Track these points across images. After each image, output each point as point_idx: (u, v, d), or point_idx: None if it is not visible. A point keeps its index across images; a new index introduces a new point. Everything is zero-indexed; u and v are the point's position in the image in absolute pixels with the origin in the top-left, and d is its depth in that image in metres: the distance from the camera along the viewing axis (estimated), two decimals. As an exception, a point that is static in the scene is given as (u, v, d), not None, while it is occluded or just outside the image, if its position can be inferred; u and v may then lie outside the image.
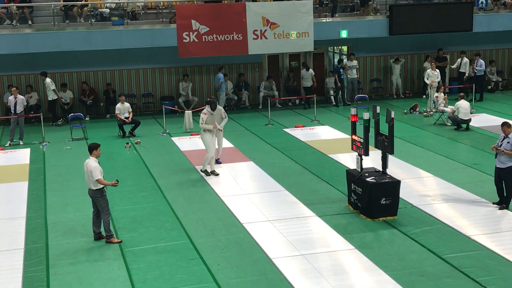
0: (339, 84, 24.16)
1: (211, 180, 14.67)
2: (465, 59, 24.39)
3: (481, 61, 23.97)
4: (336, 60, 25.78)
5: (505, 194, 12.21)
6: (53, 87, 20.90)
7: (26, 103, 20.00)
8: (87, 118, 22.29)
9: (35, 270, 10.12)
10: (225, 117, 15.31)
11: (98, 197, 10.96)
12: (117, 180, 11.11)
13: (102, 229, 11.19)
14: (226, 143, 18.50)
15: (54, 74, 22.89)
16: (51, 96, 21.03)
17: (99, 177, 10.82)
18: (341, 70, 24.12)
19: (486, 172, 14.57)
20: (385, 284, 9.24)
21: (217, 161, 15.76)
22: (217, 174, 14.75)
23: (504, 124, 12.20)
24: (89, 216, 12.17)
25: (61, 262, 10.40)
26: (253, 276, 9.65)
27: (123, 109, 19.56)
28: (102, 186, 10.93)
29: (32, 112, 21.30)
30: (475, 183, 13.87)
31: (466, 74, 24.12)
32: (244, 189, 13.93)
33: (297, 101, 24.63)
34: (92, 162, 10.90)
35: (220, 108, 15.13)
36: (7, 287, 9.51)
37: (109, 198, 11.31)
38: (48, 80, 20.94)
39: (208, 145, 14.86)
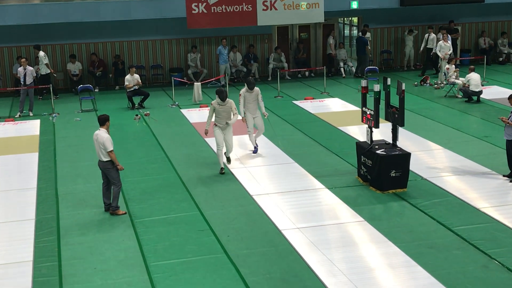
0: (369, 55, 23.99)
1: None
2: (432, 35, 23.60)
3: (450, 37, 23.13)
4: (351, 31, 25.55)
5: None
6: (46, 61, 20.72)
7: (35, 74, 20.00)
8: (96, 90, 22.29)
9: (46, 240, 10.22)
10: (235, 113, 13.39)
11: (109, 168, 10.98)
12: (123, 167, 11.22)
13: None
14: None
15: (63, 45, 22.86)
16: (44, 70, 20.88)
17: (111, 148, 10.83)
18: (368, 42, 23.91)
19: (497, 144, 14.50)
20: (394, 256, 9.27)
21: (255, 149, 14.37)
22: (223, 173, 13.06)
23: (511, 97, 12.10)
24: (100, 187, 12.24)
25: (72, 232, 10.49)
26: (263, 247, 9.71)
27: (132, 80, 19.53)
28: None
29: (41, 84, 21.28)
30: (486, 156, 13.82)
31: (433, 51, 23.58)
32: (254, 161, 13.94)
33: (307, 73, 24.52)
34: (103, 133, 10.91)
35: (257, 89, 14.02)
36: (19, 256, 9.62)
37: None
38: (41, 53, 20.78)
39: (216, 139, 13.23)
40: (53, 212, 11.41)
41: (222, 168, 13.12)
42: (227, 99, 12.98)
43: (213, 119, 13.28)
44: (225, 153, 13.39)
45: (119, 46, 23.41)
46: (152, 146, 15.52)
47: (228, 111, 12.98)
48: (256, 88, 14.04)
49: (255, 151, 14.29)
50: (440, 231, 10.15)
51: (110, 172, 10.99)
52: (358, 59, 24.33)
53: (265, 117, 14.32)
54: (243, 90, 13.98)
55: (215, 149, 14.91)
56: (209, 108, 13.32)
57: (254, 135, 14.28)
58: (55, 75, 21.78)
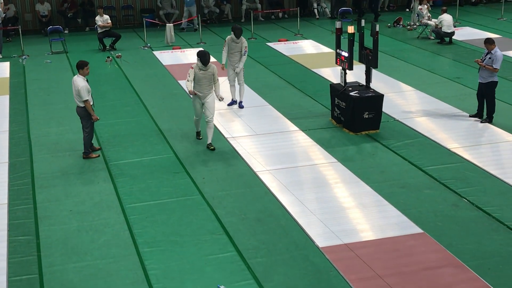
0: None
1: (194, 94, 14.57)
2: None
3: None
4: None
5: (486, 109, 12.34)
6: None
7: (3, 16, 19.48)
8: (66, 31, 21.84)
9: (20, 183, 10.18)
10: (245, 54, 13.12)
11: (85, 115, 10.83)
12: (98, 118, 10.97)
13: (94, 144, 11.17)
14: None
15: (31, -15, 22.25)
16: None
17: (86, 98, 10.64)
18: None
19: (468, 86, 14.66)
20: (366, 195, 9.45)
21: (240, 105, 13.60)
22: (213, 149, 11.30)
23: (487, 41, 12.18)
24: (73, 130, 12.18)
25: (46, 175, 10.46)
26: (238, 189, 9.81)
27: (102, 21, 19.14)
28: (92, 104, 10.78)
29: (10, 25, 20.77)
30: (457, 97, 13.98)
31: None
32: (228, 105, 13.90)
33: (280, 15, 24.27)
34: (79, 81, 10.65)
35: (243, 39, 13.12)
36: (-6, 200, 9.60)
37: (93, 113, 11.23)
38: None
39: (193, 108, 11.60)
40: (27, 155, 11.34)
41: (198, 132, 11.83)
42: (210, 63, 11.22)
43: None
44: (208, 144, 11.36)
45: (89, -14, 22.83)
46: (124, 89, 15.38)
47: (209, 78, 11.20)
48: (243, 39, 13.12)
49: (240, 105, 13.53)
50: (412, 171, 10.33)
51: (83, 119, 10.87)
52: (336, 0, 24.05)
53: (236, 71, 13.24)
54: (229, 38, 13.17)
55: (187, 91, 14.85)
56: (189, 72, 11.23)
57: (239, 90, 13.53)
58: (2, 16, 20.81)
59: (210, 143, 11.34)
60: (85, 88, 10.60)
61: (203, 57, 11.11)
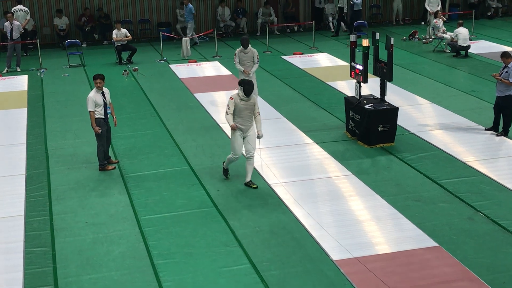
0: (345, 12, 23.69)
1: (210, 108, 14.66)
2: None
3: None
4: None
5: (503, 122, 12.26)
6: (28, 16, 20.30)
7: (22, 30, 19.71)
8: (83, 45, 22.04)
9: (37, 195, 10.25)
10: (257, 62, 13.48)
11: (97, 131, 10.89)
12: (100, 130, 10.83)
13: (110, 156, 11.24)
14: (224, 71, 18.43)
15: (50, 0, 22.48)
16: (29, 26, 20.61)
17: (90, 109, 10.74)
18: None
19: (484, 99, 14.58)
20: (381, 208, 9.40)
21: None
22: (256, 187, 10.20)
23: (504, 55, 12.11)
24: (90, 143, 12.26)
25: (62, 187, 10.53)
26: (252, 200, 9.80)
27: (120, 35, 19.30)
28: (100, 117, 10.86)
29: (28, 39, 21.01)
30: (473, 110, 13.90)
31: (345, 11, 23.38)
32: (243, 116, 13.92)
33: (295, 28, 24.34)
34: (90, 93, 10.84)
35: (253, 48, 13.52)
36: (10, 210, 9.66)
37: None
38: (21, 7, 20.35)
39: (232, 145, 10.36)
40: (43, 167, 11.43)
41: (226, 170, 10.61)
42: (252, 94, 10.04)
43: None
44: (249, 182, 10.29)
45: (106, 0, 23.07)
46: (141, 102, 15.47)
47: (251, 109, 10.08)
48: (252, 49, 13.46)
49: None
50: (427, 184, 10.27)
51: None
52: (354, 14, 23.99)
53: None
54: (238, 50, 13.59)
55: (204, 105, 14.92)
56: (228, 104, 10.09)
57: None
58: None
59: (251, 180, 10.22)
60: (90, 99, 10.70)
61: (247, 86, 9.89)
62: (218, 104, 14.99)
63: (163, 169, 11.17)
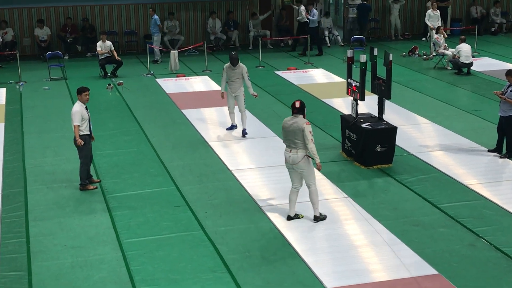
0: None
1: (198, 125, 14.68)
2: (302, 7, 22.82)
3: (315, 11, 22.52)
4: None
5: (506, 144, 12.32)
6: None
7: (1, 40, 19.73)
8: (66, 57, 22.06)
9: (13, 216, 10.20)
10: (247, 78, 13.46)
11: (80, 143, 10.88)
12: (82, 142, 10.79)
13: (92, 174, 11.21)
14: (214, 86, 18.48)
15: (31, 9, 22.54)
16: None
17: (75, 123, 10.72)
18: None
19: (487, 118, 14.67)
20: (378, 233, 9.40)
21: (243, 132, 13.74)
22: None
23: (509, 73, 12.19)
24: (70, 160, 12.23)
25: (40, 207, 10.49)
26: (242, 224, 9.79)
27: (104, 47, 19.36)
28: (86, 133, 10.86)
29: (7, 50, 21.03)
30: (475, 130, 13.98)
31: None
32: (233, 135, 13.97)
33: (290, 42, 24.48)
34: (75, 106, 10.82)
35: (241, 64, 13.52)
36: (-15, 233, 9.61)
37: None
38: None
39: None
40: (21, 186, 11.38)
41: (296, 214, 10.01)
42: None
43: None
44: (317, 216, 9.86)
45: (90, 11, 23.16)
46: (125, 118, 15.46)
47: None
48: (241, 65, 13.50)
49: (244, 133, 13.70)
50: (426, 208, 10.29)
51: (79, 148, 10.91)
52: (361, 27, 24.19)
53: (256, 97, 13.83)
54: (226, 66, 13.65)
55: (192, 121, 14.96)
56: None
57: (241, 118, 13.75)
58: None
59: (319, 214, 9.87)
60: (78, 113, 10.68)
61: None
62: (207, 121, 15.01)
63: (147, 189, 11.15)
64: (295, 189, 9.81)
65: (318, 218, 9.81)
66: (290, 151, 9.56)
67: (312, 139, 9.41)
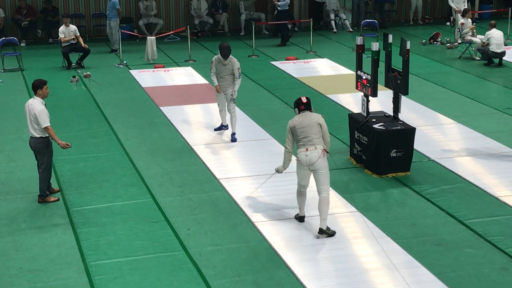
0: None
1: (180, 126, 14.68)
2: None
3: None
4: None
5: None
6: None
7: None
8: (22, 44, 22.04)
9: (-41, 233, 10.19)
10: (239, 77, 13.48)
11: (41, 148, 10.84)
12: (70, 144, 11.05)
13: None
14: (199, 78, 18.49)
15: (-20, -13, 22.53)
16: None
17: (47, 124, 10.69)
18: None
19: (522, 118, 14.75)
20: (393, 254, 9.41)
21: (232, 137, 13.76)
22: (302, 219, 10.42)
23: None
24: (27, 167, 12.20)
25: (-9, 223, 10.47)
26: (231, 243, 9.78)
27: (68, 33, 19.34)
28: (47, 135, 10.84)
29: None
30: (508, 132, 14.03)
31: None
32: (222, 137, 13.97)
33: (289, 26, 24.48)
34: (37, 104, 10.73)
35: (233, 59, 13.47)
36: None
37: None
38: None
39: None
40: (-32, 197, 11.37)
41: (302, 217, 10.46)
42: (230, 56, 13.22)
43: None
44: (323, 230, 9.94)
45: (52, -11, 23.14)
46: (93, 116, 15.45)
47: (230, 71, 13.38)
48: (233, 59, 13.41)
49: (233, 138, 13.69)
50: (450, 224, 10.31)
51: (39, 153, 10.88)
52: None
53: (233, 97, 13.52)
54: (215, 58, 13.55)
55: (173, 121, 14.95)
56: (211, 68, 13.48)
57: (230, 120, 13.75)
58: None
59: (326, 228, 9.93)
60: (44, 112, 10.65)
61: (222, 50, 13.22)
62: (191, 121, 15.01)
63: (119, 201, 11.14)
64: (303, 189, 10.21)
65: (325, 233, 9.86)
66: (307, 150, 9.88)
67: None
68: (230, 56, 13.37)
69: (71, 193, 11.43)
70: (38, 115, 10.63)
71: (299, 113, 10.11)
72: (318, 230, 9.87)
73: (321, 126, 9.96)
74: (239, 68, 13.40)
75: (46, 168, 10.99)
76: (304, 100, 10.14)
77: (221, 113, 14.05)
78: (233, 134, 13.73)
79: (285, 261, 9.26)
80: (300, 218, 10.37)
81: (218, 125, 14.31)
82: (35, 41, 22.96)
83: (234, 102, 13.59)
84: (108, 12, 21.57)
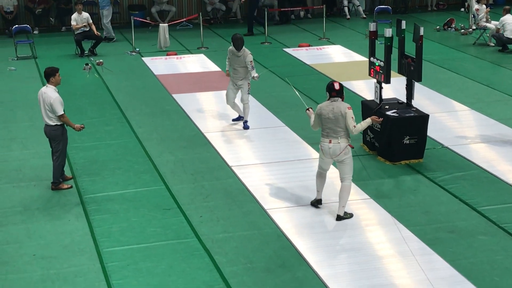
0: None
1: (193, 113, 14.68)
2: None
3: None
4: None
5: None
6: None
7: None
8: (35, 32, 22.08)
9: (-27, 220, 10.25)
10: (252, 69, 13.26)
11: (56, 136, 10.88)
12: (84, 125, 11.13)
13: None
14: (211, 66, 18.48)
15: (-7, -25, 22.57)
16: None
17: (61, 112, 10.73)
18: None
19: (537, 105, 14.68)
20: (406, 241, 9.38)
21: (245, 125, 13.74)
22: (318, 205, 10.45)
23: None
24: (40, 155, 12.26)
25: (5, 210, 10.51)
26: (244, 230, 9.80)
27: (80, 20, 19.35)
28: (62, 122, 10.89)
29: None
30: (522, 119, 13.98)
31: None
32: (234, 125, 13.96)
33: (302, 14, 24.44)
34: (51, 92, 10.76)
35: (246, 51, 13.29)
36: None
37: (65, 133, 11.31)
38: None
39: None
40: (-19, 185, 11.44)
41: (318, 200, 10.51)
42: (243, 48, 13.12)
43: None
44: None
45: (65, -24, 23.14)
46: (106, 104, 15.48)
47: (242, 62, 13.20)
48: (246, 51, 13.26)
49: (245, 125, 13.69)
50: (463, 211, 10.28)
51: (53, 141, 10.92)
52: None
53: (257, 79, 13.38)
54: (230, 49, 13.51)
55: (185, 109, 14.95)
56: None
57: (242, 109, 13.69)
58: None
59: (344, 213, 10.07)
60: (58, 100, 10.68)
61: (235, 42, 13.14)
62: (204, 108, 15.01)
63: (132, 189, 11.17)
64: (323, 172, 10.22)
65: (343, 219, 9.98)
66: (330, 142, 9.82)
67: (355, 125, 9.71)
68: (244, 48, 13.26)
69: (84, 181, 11.47)
70: (53, 103, 10.65)
71: (329, 99, 9.87)
72: (336, 217, 9.96)
73: (345, 118, 9.67)
74: (251, 61, 13.20)
75: (60, 156, 11.04)
76: (336, 87, 9.86)
77: (234, 108, 13.80)
78: (245, 122, 13.71)
79: (297, 248, 9.27)
80: (317, 201, 10.37)
81: (235, 117, 14.05)
82: (48, 28, 23.00)
83: (249, 93, 13.50)
84: (100, 0, 21.48)
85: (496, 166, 11.80)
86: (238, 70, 13.39)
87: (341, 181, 9.98)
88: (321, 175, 10.26)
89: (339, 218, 9.96)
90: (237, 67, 13.40)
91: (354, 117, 9.73)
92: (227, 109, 14.53)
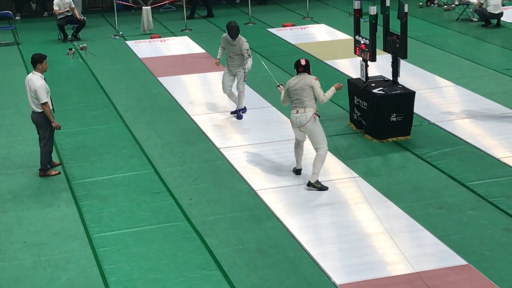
0: None
1: (179, 95, 14.64)
2: None
3: None
4: None
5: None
6: None
7: None
8: (17, 18, 21.91)
9: (-39, 209, 10.21)
10: (249, 56, 12.96)
11: (43, 122, 10.83)
12: (60, 127, 11.01)
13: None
14: (195, 48, 18.41)
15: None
16: None
17: (45, 100, 10.66)
18: None
19: (521, 79, 14.72)
20: (395, 218, 9.44)
21: (238, 114, 13.39)
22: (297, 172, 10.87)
23: None
24: (27, 142, 12.20)
25: (-7, 199, 10.49)
26: (234, 212, 9.81)
27: (63, 5, 19.20)
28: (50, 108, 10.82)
29: None
30: (507, 93, 14.01)
31: None
32: (221, 106, 13.94)
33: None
34: (36, 79, 10.69)
35: (242, 39, 12.95)
36: None
37: (51, 119, 11.25)
38: None
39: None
40: (-31, 173, 11.38)
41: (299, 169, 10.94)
42: (239, 36, 12.87)
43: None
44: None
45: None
46: (91, 89, 15.42)
47: (237, 50, 12.95)
48: (242, 39, 12.94)
49: (239, 115, 13.32)
50: (452, 187, 10.32)
51: (40, 127, 10.88)
52: None
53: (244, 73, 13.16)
54: (224, 36, 13.15)
55: (171, 91, 14.91)
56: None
57: (237, 96, 13.33)
58: None
59: (315, 181, 10.32)
60: (43, 87, 10.62)
61: (230, 30, 12.78)
62: (190, 91, 14.97)
63: (120, 173, 11.15)
64: (299, 143, 10.68)
65: (312, 186, 10.25)
66: (297, 112, 10.26)
67: (324, 94, 10.26)
68: (239, 36, 12.98)
69: (72, 166, 11.44)
70: (38, 90, 10.58)
71: (297, 74, 10.39)
72: (307, 183, 10.31)
73: (312, 89, 10.19)
74: (247, 50, 12.89)
75: (47, 142, 10.99)
76: (302, 62, 10.42)
77: (231, 98, 13.46)
78: (238, 111, 13.32)
79: (288, 228, 9.29)
80: (297, 171, 10.82)
81: (233, 109, 13.60)
82: (30, 14, 22.82)
83: (245, 81, 13.33)
84: None
85: (482, 141, 11.84)
86: (234, 58, 13.10)
87: (316, 152, 10.31)
88: (297, 146, 10.72)
89: (309, 184, 10.28)
90: (232, 55, 13.11)
91: (321, 88, 10.26)
92: (213, 91, 14.51)
